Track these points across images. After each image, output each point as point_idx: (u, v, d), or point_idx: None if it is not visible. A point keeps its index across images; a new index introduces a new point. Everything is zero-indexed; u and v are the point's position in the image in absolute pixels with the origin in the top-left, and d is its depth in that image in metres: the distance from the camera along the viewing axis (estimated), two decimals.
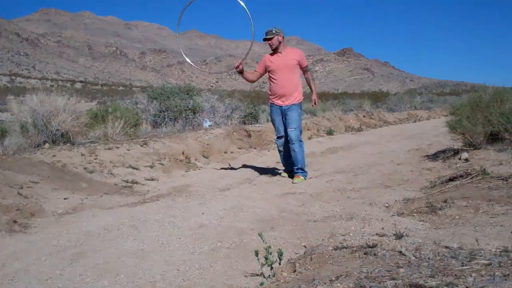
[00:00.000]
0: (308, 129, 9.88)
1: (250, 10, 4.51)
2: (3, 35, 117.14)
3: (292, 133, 4.55)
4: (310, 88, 4.85)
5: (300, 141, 4.63)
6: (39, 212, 3.38)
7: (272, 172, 5.22)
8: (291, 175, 4.73)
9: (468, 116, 4.79)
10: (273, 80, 4.64)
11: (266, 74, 4.76)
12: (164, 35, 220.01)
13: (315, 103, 4.83)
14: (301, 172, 4.62)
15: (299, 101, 4.64)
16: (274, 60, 4.59)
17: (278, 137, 4.77)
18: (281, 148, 4.79)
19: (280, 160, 5.05)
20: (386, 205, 3.33)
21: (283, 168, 4.99)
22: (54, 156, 4.67)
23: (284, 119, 4.64)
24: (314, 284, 1.50)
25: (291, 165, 4.73)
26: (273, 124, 4.81)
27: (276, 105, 4.66)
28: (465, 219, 2.72)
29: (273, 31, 4.54)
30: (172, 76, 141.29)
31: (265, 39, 4.57)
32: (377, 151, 6.72)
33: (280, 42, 4.57)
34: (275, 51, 4.60)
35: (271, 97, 4.72)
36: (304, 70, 4.69)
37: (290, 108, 4.58)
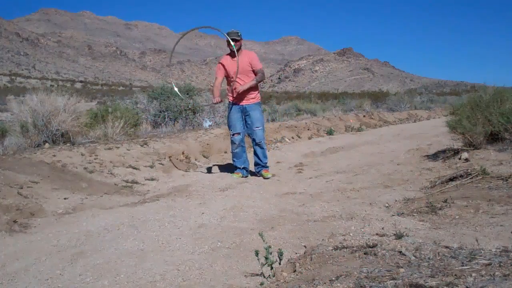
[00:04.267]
0: (308, 129, 9.89)
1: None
2: (3, 35, 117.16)
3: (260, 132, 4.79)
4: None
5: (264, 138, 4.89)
6: (39, 212, 3.38)
7: (272, 171, 5.21)
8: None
9: (468, 116, 4.79)
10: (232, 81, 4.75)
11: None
12: (164, 35, 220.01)
13: (235, 88, 4.71)
14: (266, 167, 4.92)
15: (259, 100, 4.89)
16: (230, 63, 4.71)
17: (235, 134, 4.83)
18: (236, 146, 4.82)
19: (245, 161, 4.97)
20: (386, 205, 3.33)
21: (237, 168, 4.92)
22: (54, 156, 4.67)
23: (245, 117, 4.80)
24: (314, 284, 1.50)
25: (244, 163, 4.88)
26: (230, 121, 4.87)
27: (237, 104, 4.78)
28: (465, 219, 2.72)
29: (239, 34, 4.70)
30: (172, 76, 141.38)
31: (233, 39, 4.60)
32: (377, 151, 6.73)
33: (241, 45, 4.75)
34: (233, 53, 4.67)
35: (230, 96, 4.83)
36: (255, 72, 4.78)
37: (252, 107, 4.77)
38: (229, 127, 4.90)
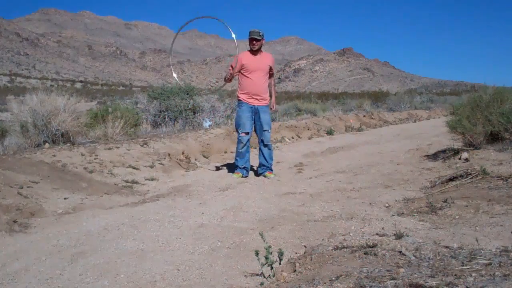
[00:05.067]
0: (308, 129, 9.89)
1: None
2: (3, 35, 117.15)
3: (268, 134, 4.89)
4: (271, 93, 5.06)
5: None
6: (39, 212, 3.37)
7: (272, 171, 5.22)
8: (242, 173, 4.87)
9: (468, 116, 4.79)
10: (247, 78, 4.80)
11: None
12: (164, 35, 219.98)
13: (273, 107, 5.07)
14: (271, 170, 4.98)
15: (269, 103, 4.97)
16: (251, 61, 4.77)
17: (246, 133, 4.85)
18: (243, 145, 4.83)
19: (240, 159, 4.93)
20: (386, 205, 3.33)
21: (239, 167, 4.92)
22: (54, 156, 4.67)
23: (255, 118, 4.84)
24: (314, 284, 1.50)
25: (246, 163, 4.90)
26: (240, 120, 4.87)
27: (248, 103, 4.82)
28: (465, 219, 2.72)
29: (261, 33, 4.75)
30: (172, 76, 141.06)
31: (254, 39, 4.69)
32: (377, 151, 6.73)
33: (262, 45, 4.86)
34: (256, 51, 4.77)
35: (242, 95, 4.85)
36: (271, 74, 4.95)
37: (263, 109, 4.84)
38: (238, 125, 4.88)
